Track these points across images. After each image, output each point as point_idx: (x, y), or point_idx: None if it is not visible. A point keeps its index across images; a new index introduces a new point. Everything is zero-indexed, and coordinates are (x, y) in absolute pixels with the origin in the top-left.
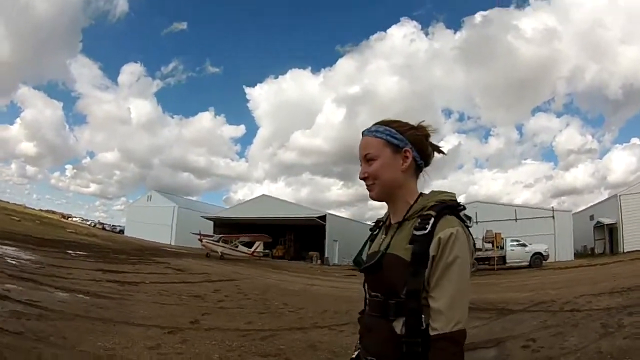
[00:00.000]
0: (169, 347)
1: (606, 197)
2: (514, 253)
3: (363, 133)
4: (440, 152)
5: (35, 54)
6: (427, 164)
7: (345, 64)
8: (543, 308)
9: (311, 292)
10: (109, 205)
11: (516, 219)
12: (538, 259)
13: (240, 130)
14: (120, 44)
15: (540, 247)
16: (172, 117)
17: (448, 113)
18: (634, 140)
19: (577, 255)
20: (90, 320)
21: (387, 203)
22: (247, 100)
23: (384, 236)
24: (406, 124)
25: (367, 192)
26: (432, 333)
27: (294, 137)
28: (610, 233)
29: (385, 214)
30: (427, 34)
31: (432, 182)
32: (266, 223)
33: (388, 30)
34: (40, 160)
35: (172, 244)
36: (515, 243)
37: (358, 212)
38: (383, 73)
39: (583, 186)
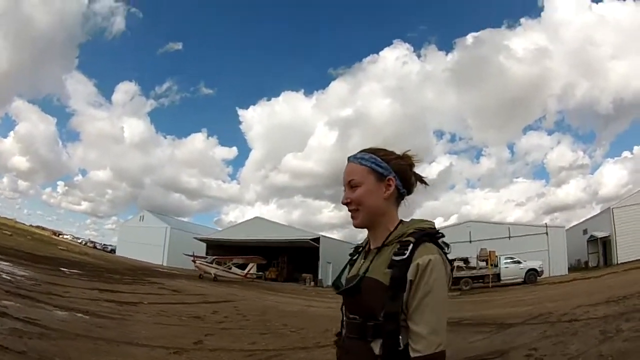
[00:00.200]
0: None
1: (598, 211)
2: (509, 270)
3: (349, 159)
4: (423, 182)
5: (32, 67)
6: (409, 192)
7: (337, 87)
8: (542, 320)
9: (309, 313)
10: (100, 223)
11: (509, 237)
12: (532, 275)
13: (232, 152)
14: (116, 62)
15: (535, 264)
16: (165, 138)
17: (440, 134)
18: (625, 153)
19: (571, 269)
20: (92, 340)
21: (368, 229)
22: (240, 122)
23: (363, 260)
24: (392, 153)
25: (350, 217)
26: (414, 355)
27: (286, 160)
28: (603, 246)
29: (365, 239)
30: (419, 56)
31: (425, 203)
32: (259, 245)
33: (381, 53)
34: (32, 176)
35: (164, 264)
36: (509, 260)
37: (349, 234)
38: (375, 95)
39: (575, 201)
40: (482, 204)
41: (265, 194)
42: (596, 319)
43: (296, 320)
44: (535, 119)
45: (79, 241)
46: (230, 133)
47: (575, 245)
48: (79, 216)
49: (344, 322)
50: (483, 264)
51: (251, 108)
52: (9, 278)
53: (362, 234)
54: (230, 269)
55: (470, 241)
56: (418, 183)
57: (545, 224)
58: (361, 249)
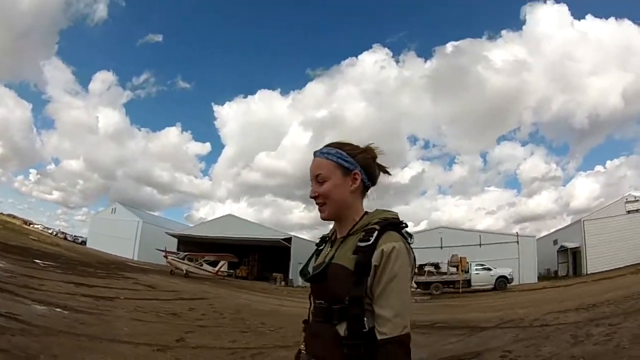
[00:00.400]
0: None
1: (569, 222)
2: (479, 276)
3: (315, 154)
4: (386, 172)
5: (11, 50)
6: (373, 184)
7: (314, 88)
8: (514, 325)
9: (283, 313)
10: (71, 214)
11: (480, 244)
12: (503, 282)
13: (206, 147)
14: (95, 50)
15: (505, 271)
16: (140, 130)
17: (414, 140)
18: (598, 167)
19: (541, 277)
20: (75, 336)
21: (335, 221)
22: (215, 118)
23: (329, 249)
24: (357, 147)
25: (318, 210)
26: (380, 337)
27: (259, 158)
28: (573, 256)
29: (331, 230)
30: (397, 61)
31: (395, 207)
32: (230, 243)
33: (359, 56)
34: (5, 163)
35: (135, 259)
36: (480, 267)
37: (319, 234)
38: (352, 98)
39: (545, 212)
40: (453, 210)
41: (236, 191)
42: (567, 325)
43: (272, 320)
44: (509, 129)
45: (50, 232)
46: (204, 128)
47: (545, 254)
48: (50, 206)
49: (312, 309)
50: (454, 269)
51: (227, 104)
52: None
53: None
54: (202, 265)
55: (442, 247)
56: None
57: (517, 232)
58: (327, 238)
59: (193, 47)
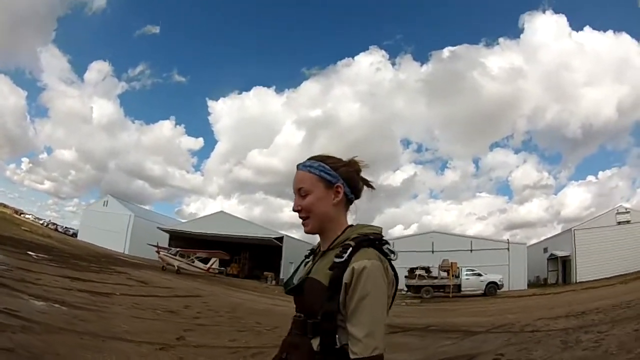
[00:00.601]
0: None
1: (559, 231)
2: (469, 282)
3: (298, 167)
4: (370, 186)
5: (9, 36)
6: (357, 197)
7: (309, 87)
8: (505, 329)
9: (278, 312)
10: (62, 205)
11: (471, 250)
12: (493, 287)
13: (198, 142)
14: (93, 39)
15: (495, 277)
16: (133, 122)
17: (407, 143)
18: (590, 177)
19: (531, 285)
20: (77, 334)
21: (319, 235)
22: (209, 113)
23: (310, 263)
24: (339, 160)
25: (302, 226)
26: (352, 356)
27: (251, 155)
28: (563, 265)
29: (318, 243)
30: (394, 64)
31: (386, 210)
32: (222, 240)
33: (356, 57)
34: None
35: (126, 252)
36: (470, 272)
37: (306, 235)
38: (346, 99)
39: (536, 220)
40: (444, 215)
41: (227, 188)
42: (557, 331)
43: (268, 319)
44: (503, 136)
45: (41, 222)
46: (198, 123)
47: (535, 262)
48: (41, 195)
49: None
50: (444, 274)
51: (221, 100)
52: None
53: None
54: (194, 262)
55: (433, 251)
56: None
57: (507, 239)
58: (314, 251)
59: (190, 41)
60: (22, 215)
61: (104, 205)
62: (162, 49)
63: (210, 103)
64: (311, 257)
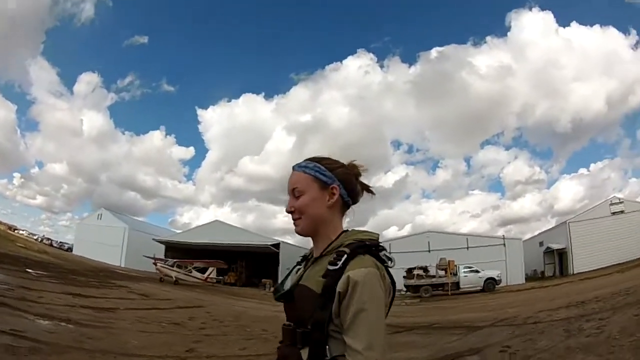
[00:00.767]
0: None
1: (554, 224)
2: (467, 279)
3: (293, 168)
4: (369, 192)
5: None
6: (354, 201)
7: (298, 92)
8: (508, 323)
9: (282, 319)
10: (55, 219)
11: (468, 247)
12: (491, 283)
13: (189, 152)
14: (81, 51)
15: (493, 273)
16: (124, 133)
17: (397, 144)
18: (582, 170)
19: (528, 278)
20: (87, 352)
21: (311, 238)
22: (199, 122)
23: (302, 269)
24: (336, 161)
25: (294, 227)
26: None
27: (243, 163)
28: (560, 258)
29: (310, 248)
30: (382, 66)
31: (379, 212)
32: (218, 249)
33: (344, 61)
34: None
35: (122, 265)
36: (468, 270)
37: (302, 240)
38: (335, 103)
39: (530, 215)
40: (437, 214)
41: (220, 196)
42: (559, 321)
43: (272, 326)
44: (493, 134)
45: (35, 238)
46: (188, 132)
47: (531, 256)
48: (34, 211)
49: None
50: (442, 272)
51: (211, 108)
52: None
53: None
54: (191, 272)
55: (429, 250)
56: (365, 193)
57: (503, 235)
58: (306, 257)
59: (178, 50)
60: (15, 231)
61: (98, 218)
62: (150, 59)
63: (199, 112)
64: (303, 264)
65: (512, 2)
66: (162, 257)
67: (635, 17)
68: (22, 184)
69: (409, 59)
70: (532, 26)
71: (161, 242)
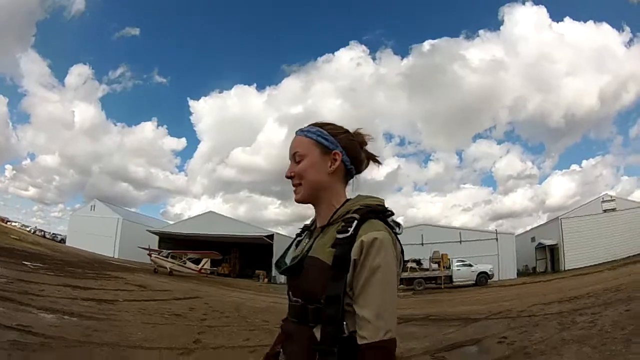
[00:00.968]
0: None
1: (545, 220)
2: (460, 272)
3: (296, 132)
4: (375, 161)
5: None
6: (358, 170)
7: (290, 84)
8: (503, 316)
9: (280, 310)
10: (47, 211)
11: (461, 241)
12: (484, 277)
13: (181, 143)
14: (72, 43)
15: (486, 267)
16: (115, 125)
17: (389, 137)
18: (574, 166)
19: (520, 274)
20: (96, 346)
21: (313, 206)
22: (191, 113)
23: (307, 240)
24: (341, 127)
25: (293, 192)
26: (360, 342)
27: (234, 154)
28: (551, 253)
29: (312, 219)
30: (374, 58)
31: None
32: (212, 240)
33: (336, 53)
34: None
35: (116, 256)
36: (460, 263)
37: (294, 231)
38: (327, 95)
39: (521, 210)
40: (429, 207)
41: (211, 187)
42: (552, 314)
43: (273, 317)
44: (485, 128)
45: (28, 229)
46: (180, 123)
47: (523, 251)
48: (26, 202)
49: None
50: (435, 265)
51: (202, 99)
52: None
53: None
54: (185, 263)
55: (423, 244)
56: (370, 163)
57: (496, 230)
58: (308, 228)
59: (169, 41)
60: (8, 223)
61: (91, 209)
62: (142, 51)
63: (191, 103)
64: (306, 235)
65: None
66: (156, 248)
67: (630, 14)
68: (14, 175)
69: (402, 52)
70: (525, 20)
71: (155, 233)
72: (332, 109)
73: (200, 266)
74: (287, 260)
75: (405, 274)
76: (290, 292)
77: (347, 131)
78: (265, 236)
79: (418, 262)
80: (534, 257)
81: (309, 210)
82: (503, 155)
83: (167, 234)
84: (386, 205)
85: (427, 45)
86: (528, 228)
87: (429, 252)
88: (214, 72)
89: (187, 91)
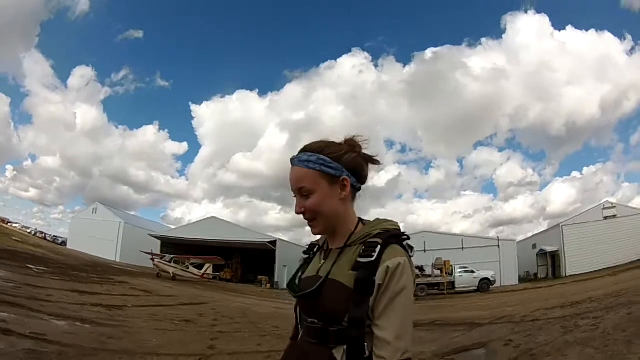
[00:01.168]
0: None
1: (546, 227)
2: (463, 279)
3: (293, 162)
4: (375, 162)
5: None
6: (363, 182)
7: (292, 90)
8: (506, 320)
9: (287, 315)
10: (47, 212)
11: (463, 248)
12: (486, 284)
13: (183, 147)
14: (76, 44)
15: (488, 273)
16: (117, 128)
17: (390, 144)
18: (575, 173)
19: (521, 280)
20: (114, 353)
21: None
22: (192, 118)
23: (323, 261)
24: (339, 147)
25: (308, 225)
26: None
27: (235, 159)
28: (552, 260)
29: (322, 238)
30: (376, 65)
31: (371, 211)
32: (214, 245)
33: (338, 60)
34: None
35: (117, 260)
36: (463, 270)
37: (295, 237)
38: (329, 101)
39: (522, 217)
40: (429, 214)
41: (212, 192)
42: (555, 319)
43: (282, 322)
44: (486, 135)
45: (29, 231)
46: (181, 128)
47: (524, 258)
48: (26, 203)
49: (302, 326)
50: (438, 272)
51: (204, 104)
52: None
53: (307, 239)
54: (188, 268)
55: (425, 250)
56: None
57: (497, 237)
58: (317, 247)
59: (173, 45)
60: (8, 224)
61: (93, 212)
62: (145, 54)
63: (193, 107)
64: (318, 255)
65: (508, 5)
66: (158, 252)
67: (631, 23)
68: (15, 176)
69: (404, 59)
70: (527, 29)
71: (157, 237)
72: (333, 115)
73: (202, 271)
74: (297, 281)
75: None
76: (302, 312)
77: (347, 150)
78: (269, 242)
79: (420, 268)
80: (536, 264)
81: None
82: (504, 163)
83: (170, 238)
84: (402, 230)
85: (429, 53)
86: (529, 235)
87: (431, 259)
88: (217, 77)
89: (189, 95)
